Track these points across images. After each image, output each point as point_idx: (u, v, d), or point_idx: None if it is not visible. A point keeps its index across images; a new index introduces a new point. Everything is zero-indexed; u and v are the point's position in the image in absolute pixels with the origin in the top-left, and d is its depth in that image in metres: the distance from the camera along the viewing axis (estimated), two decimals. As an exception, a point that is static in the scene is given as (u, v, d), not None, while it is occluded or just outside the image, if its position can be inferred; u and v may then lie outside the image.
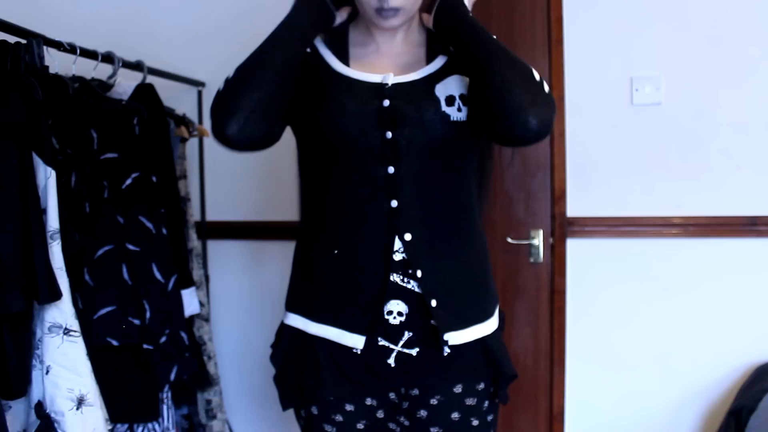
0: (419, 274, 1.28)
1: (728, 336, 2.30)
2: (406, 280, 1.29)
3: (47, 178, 1.44)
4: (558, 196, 2.36)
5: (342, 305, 1.31)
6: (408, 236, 1.28)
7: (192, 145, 2.50)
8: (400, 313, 1.29)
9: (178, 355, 1.79)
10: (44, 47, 1.62)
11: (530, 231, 2.39)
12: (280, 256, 2.56)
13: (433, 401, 1.35)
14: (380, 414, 1.38)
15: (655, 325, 2.33)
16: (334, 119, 1.28)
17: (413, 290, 1.29)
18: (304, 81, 1.34)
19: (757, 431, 1.89)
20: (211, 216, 2.59)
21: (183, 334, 1.82)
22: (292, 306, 1.41)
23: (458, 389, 1.36)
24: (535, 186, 2.40)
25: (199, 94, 2.52)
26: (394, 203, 1.28)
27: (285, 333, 1.41)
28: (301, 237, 1.43)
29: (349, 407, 1.35)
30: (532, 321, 2.42)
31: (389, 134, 1.27)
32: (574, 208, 2.36)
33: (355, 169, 1.29)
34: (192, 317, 2.21)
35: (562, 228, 2.36)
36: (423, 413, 1.36)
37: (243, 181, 2.56)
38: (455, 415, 1.35)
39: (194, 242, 2.28)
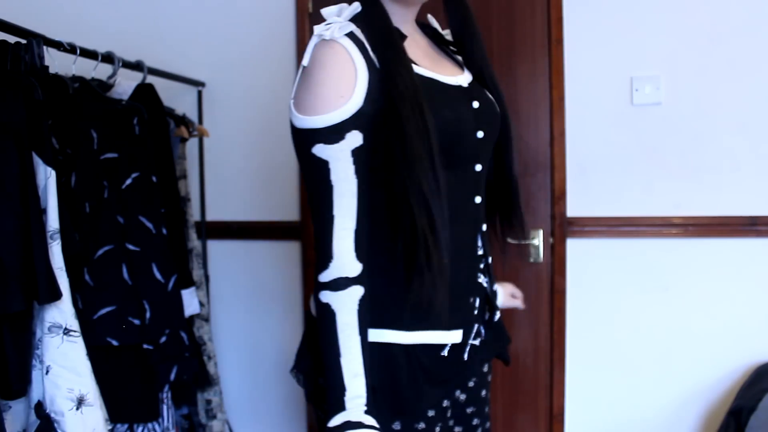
0: (490, 267, 1.33)
1: (728, 336, 2.30)
2: (479, 274, 1.31)
3: (47, 178, 1.44)
4: (558, 196, 2.36)
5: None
6: (484, 228, 1.32)
7: (192, 145, 2.50)
8: (476, 307, 1.31)
9: (178, 355, 1.79)
10: (44, 47, 1.62)
11: (530, 231, 2.39)
12: (280, 256, 2.57)
13: (483, 392, 1.38)
14: (449, 414, 1.33)
15: (655, 325, 2.34)
16: (446, 124, 1.20)
17: (482, 284, 1.32)
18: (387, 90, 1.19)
19: (757, 431, 1.89)
20: (211, 216, 2.59)
21: (183, 334, 1.82)
22: (379, 323, 1.20)
23: (486, 368, 1.41)
24: (535, 186, 2.40)
25: (199, 94, 2.52)
26: (478, 199, 1.30)
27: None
28: (384, 255, 1.20)
29: (431, 413, 1.27)
30: (532, 321, 2.42)
31: (481, 134, 1.27)
32: (574, 208, 2.36)
33: (453, 170, 1.23)
34: (192, 317, 2.21)
35: (562, 228, 2.36)
36: (471, 409, 1.37)
37: (243, 181, 2.56)
38: (483, 393, 1.39)
39: (194, 242, 2.28)
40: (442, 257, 1.12)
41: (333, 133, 1.10)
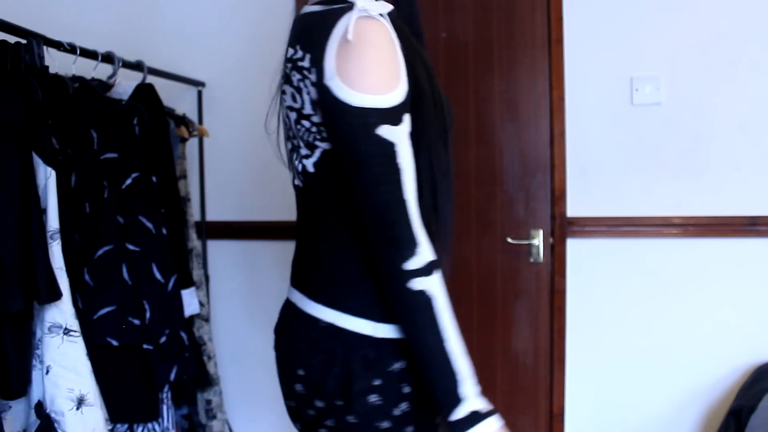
0: None
1: (728, 336, 2.30)
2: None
3: (47, 178, 1.44)
4: (558, 196, 2.36)
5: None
6: None
7: (192, 145, 2.50)
8: None
9: (178, 355, 1.79)
10: (44, 47, 1.62)
11: (530, 231, 2.39)
12: (280, 256, 2.56)
13: None
14: None
15: (655, 324, 2.34)
16: (446, 106, 1.25)
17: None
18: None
19: (757, 431, 1.89)
20: (211, 216, 2.59)
21: (183, 334, 1.82)
22: (381, 315, 1.17)
23: None
24: (535, 186, 2.40)
25: (199, 94, 2.52)
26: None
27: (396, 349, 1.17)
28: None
29: None
30: (532, 321, 2.42)
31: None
32: (574, 208, 2.36)
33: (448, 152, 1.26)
34: (192, 317, 2.21)
35: (562, 228, 2.36)
36: None
37: (243, 181, 2.56)
38: None
39: (194, 242, 2.28)
40: (447, 242, 1.13)
41: (397, 114, 1.06)
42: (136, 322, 1.72)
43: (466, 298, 2.42)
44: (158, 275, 1.76)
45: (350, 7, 1.09)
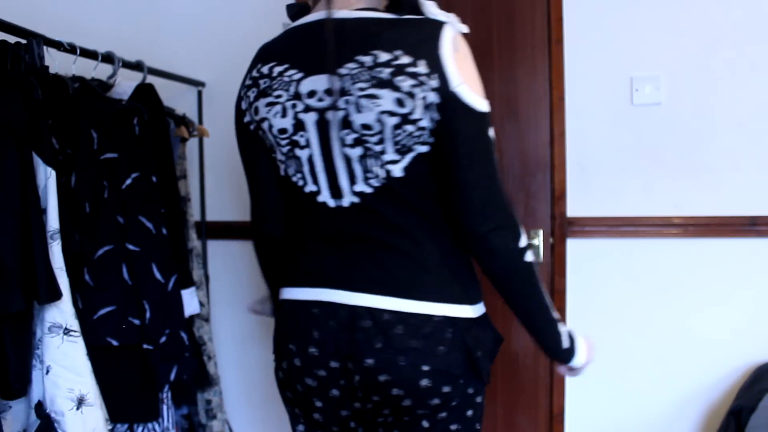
0: None
1: (728, 336, 2.30)
2: None
3: (47, 178, 1.44)
4: (558, 196, 2.36)
5: None
6: None
7: (192, 145, 2.50)
8: None
9: (178, 355, 1.79)
10: (44, 47, 1.62)
11: (530, 231, 2.39)
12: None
13: None
14: None
15: (655, 324, 2.34)
16: None
17: None
18: None
19: (757, 431, 1.89)
20: (211, 216, 2.59)
21: (183, 334, 1.82)
22: (474, 298, 1.33)
23: None
24: (535, 186, 2.40)
25: (199, 94, 2.52)
26: None
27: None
28: (448, 235, 1.33)
29: None
30: (532, 321, 2.42)
31: None
32: (574, 208, 2.36)
33: None
34: (192, 317, 2.21)
35: (562, 228, 2.36)
36: None
37: (243, 181, 2.53)
38: None
39: (194, 242, 2.28)
40: None
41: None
42: (136, 322, 1.72)
43: (466, 298, 2.42)
44: (158, 275, 1.76)
45: (428, 19, 1.25)
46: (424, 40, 1.22)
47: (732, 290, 2.29)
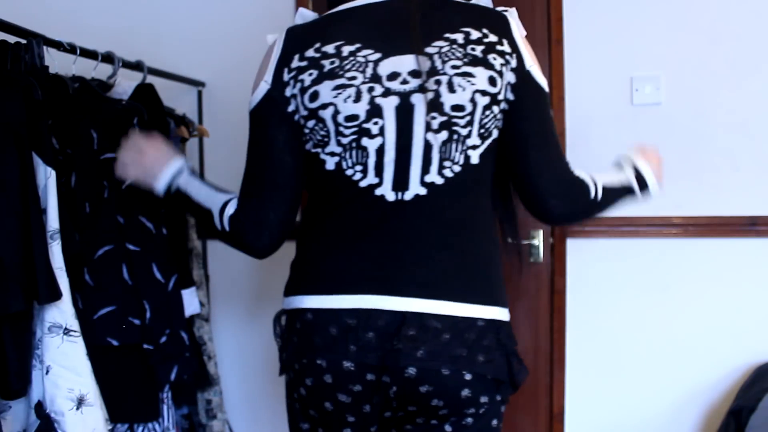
0: None
1: (728, 336, 2.30)
2: None
3: (47, 178, 1.44)
4: (558, 196, 2.36)
5: None
6: None
7: (192, 145, 2.50)
8: None
9: (178, 355, 1.79)
10: (44, 47, 1.61)
11: (530, 231, 2.39)
12: (280, 255, 2.56)
13: None
14: None
15: (655, 325, 2.33)
16: None
17: None
18: None
19: (757, 431, 1.89)
20: (211, 216, 2.59)
21: (183, 334, 1.82)
22: (506, 299, 1.32)
23: None
24: (535, 186, 2.39)
25: (199, 94, 2.52)
26: None
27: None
28: (495, 230, 1.35)
29: None
30: (532, 321, 2.42)
31: None
32: (574, 208, 2.36)
33: None
34: (192, 317, 2.21)
35: (562, 228, 2.36)
36: None
37: (243, 181, 2.56)
38: None
39: (194, 242, 2.28)
40: None
41: None
42: (137, 321, 1.72)
43: (466, 298, 2.42)
44: (158, 275, 1.76)
45: (486, 6, 1.26)
46: (499, 21, 1.23)
47: (732, 290, 2.29)
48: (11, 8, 1.72)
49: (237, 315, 2.59)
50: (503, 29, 1.23)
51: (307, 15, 1.33)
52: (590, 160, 2.35)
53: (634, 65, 2.31)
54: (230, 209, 1.31)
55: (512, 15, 1.26)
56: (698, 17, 2.27)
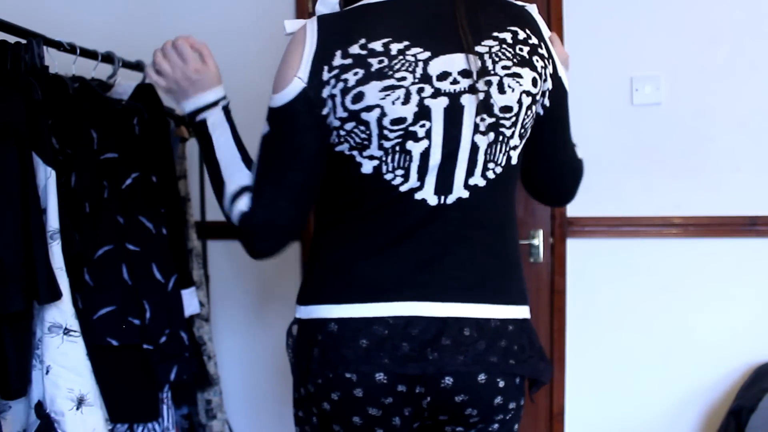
0: None
1: (728, 336, 2.30)
2: None
3: (47, 178, 1.44)
4: (558, 196, 2.36)
5: None
6: None
7: (192, 145, 2.50)
8: None
9: (178, 355, 1.79)
10: (44, 47, 1.61)
11: (530, 231, 2.39)
12: (280, 256, 2.56)
13: None
14: None
15: (655, 325, 2.33)
16: None
17: None
18: None
19: (757, 431, 1.89)
20: (211, 216, 2.59)
21: (183, 334, 1.82)
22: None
23: None
24: (535, 186, 2.40)
25: (199, 94, 2.51)
26: None
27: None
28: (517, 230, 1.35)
29: None
30: (532, 321, 2.41)
31: None
32: (574, 208, 2.36)
33: None
34: (192, 317, 2.21)
35: (562, 228, 2.36)
36: None
37: (243, 181, 2.56)
38: None
39: (194, 242, 2.28)
40: None
41: None
42: (136, 321, 1.72)
43: (466, 298, 2.42)
44: (158, 275, 1.76)
45: (516, 3, 1.23)
46: (534, 25, 1.22)
47: (732, 290, 2.29)
48: (11, 8, 1.72)
49: (237, 315, 2.59)
50: (539, 31, 1.22)
51: (330, 2, 1.24)
52: (590, 160, 2.35)
53: (634, 65, 2.31)
54: (242, 205, 1.19)
55: (535, 11, 1.25)
56: (698, 17, 2.27)
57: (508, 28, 1.17)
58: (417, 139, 1.12)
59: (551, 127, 1.26)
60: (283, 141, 1.17)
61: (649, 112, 2.31)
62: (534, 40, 1.19)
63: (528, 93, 1.17)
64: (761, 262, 2.27)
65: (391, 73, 1.10)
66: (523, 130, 1.20)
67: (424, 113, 1.11)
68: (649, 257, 2.33)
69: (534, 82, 1.17)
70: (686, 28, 2.28)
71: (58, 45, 1.71)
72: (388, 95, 1.09)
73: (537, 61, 1.18)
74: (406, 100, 1.10)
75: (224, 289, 2.59)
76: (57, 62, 1.72)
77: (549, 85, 1.21)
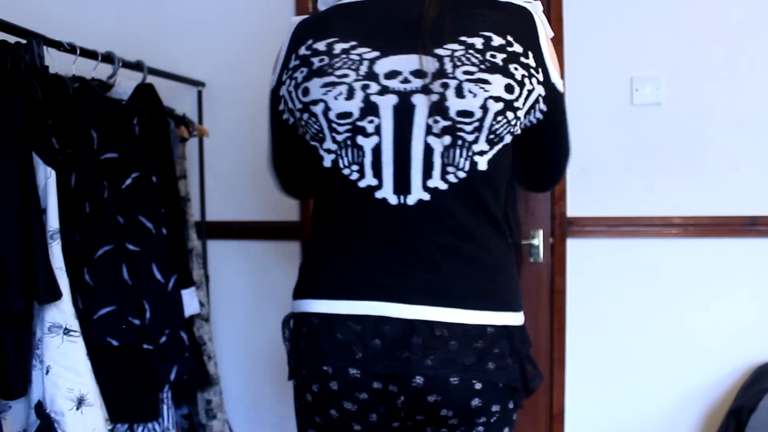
0: None
1: (728, 336, 2.30)
2: None
3: (47, 178, 1.44)
4: (558, 196, 2.36)
5: None
6: None
7: (192, 145, 2.50)
8: None
9: (178, 355, 1.79)
10: (44, 47, 1.62)
11: (530, 231, 2.39)
12: (280, 256, 2.57)
13: None
14: None
15: (655, 324, 2.33)
16: None
17: None
18: None
19: (757, 431, 1.89)
20: (211, 216, 2.59)
21: (183, 334, 1.82)
22: (521, 303, 1.29)
23: None
24: (535, 186, 2.40)
25: (199, 94, 2.52)
26: None
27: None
28: (506, 236, 1.32)
29: None
30: (532, 321, 2.42)
31: None
32: (574, 208, 2.36)
33: None
34: (192, 317, 2.21)
35: (562, 228, 2.36)
36: None
37: (243, 181, 2.56)
38: None
39: (194, 242, 2.28)
40: None
41: None
42: (136, 321, 1.72)
43: (466, 298, 2.42)
44: (158, 275, 1.76)
45: (517, 4, 1.21)
46: (526, 29, 1.19)
47: (732, 290, 2.29)
48: (11, 8, 1.72)
49: (237, 315, 2.59)
50: (530, 38, 1.19)
51: (330, 1, 1.29)
52: (590, 160, 2.36)
53: (634, 65, 2.31)
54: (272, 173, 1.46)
55: (536, 9, 1.22)
56: (698, 17, 2.27)
57: (481, 33, 1.15)
58: (366, 135, 1.16)
59: (547, 128, 1.28)
60: (271, 128, 1.35)
61: (649, 112, 2.31)
62: (516, 48, 1.16)
63: (498, 98, 1.15)
64: (761, 262, 2.27)
65: (331, 70, 1.17)
66: (493, 136, 1.17)
67: (370, 109, 1.15)
68: (649, 257, 2.33)
69: (508, 89, 1.16)
70: (686, 28, 2.28)
71: (58, 45, 1.71)
72: (330, 90, 1.17)
73: (515, 69, 1.16)
74: (350, 96, 1.16)
75: (224, 289, 2.59)
76: (57, 62, 1.72)
77: (542, 91, 1.21)
